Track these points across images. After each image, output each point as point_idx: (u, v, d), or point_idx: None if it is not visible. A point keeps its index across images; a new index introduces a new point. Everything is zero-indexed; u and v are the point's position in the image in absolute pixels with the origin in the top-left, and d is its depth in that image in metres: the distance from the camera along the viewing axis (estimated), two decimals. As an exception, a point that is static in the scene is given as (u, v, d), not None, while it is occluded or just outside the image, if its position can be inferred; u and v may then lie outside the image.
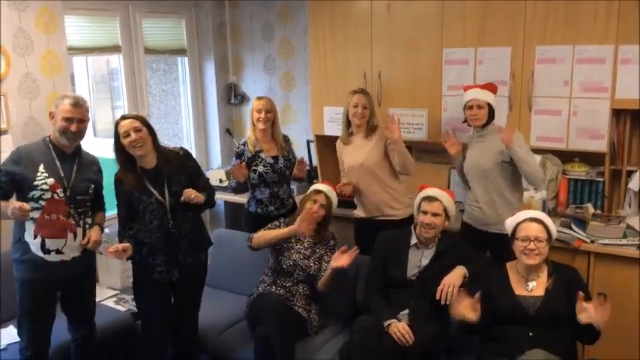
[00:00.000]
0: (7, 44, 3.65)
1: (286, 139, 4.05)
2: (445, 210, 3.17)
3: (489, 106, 3.38)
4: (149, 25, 4.78)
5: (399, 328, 2.99)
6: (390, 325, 3.03)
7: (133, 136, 2.97)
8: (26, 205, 2.75)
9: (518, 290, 2.81)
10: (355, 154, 3.74)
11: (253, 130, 3.91)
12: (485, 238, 3.42)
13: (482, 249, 3.41)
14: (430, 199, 3.18)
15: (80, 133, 3.00)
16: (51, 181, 2.92)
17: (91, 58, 5.06)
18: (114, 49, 4.54)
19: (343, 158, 3.85)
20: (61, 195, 2.95)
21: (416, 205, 3.27)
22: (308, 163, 3.90)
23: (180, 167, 3.15)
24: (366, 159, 3.69)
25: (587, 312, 2.61)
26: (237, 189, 3.95)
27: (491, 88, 3.43)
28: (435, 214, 3.14)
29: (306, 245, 3.45)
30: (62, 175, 2.97)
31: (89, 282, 3.24)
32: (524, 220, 2.81)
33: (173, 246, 3.11)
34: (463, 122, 3.51)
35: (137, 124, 3.01)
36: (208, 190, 3.25)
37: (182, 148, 3.28)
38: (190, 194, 3.02)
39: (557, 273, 2.81)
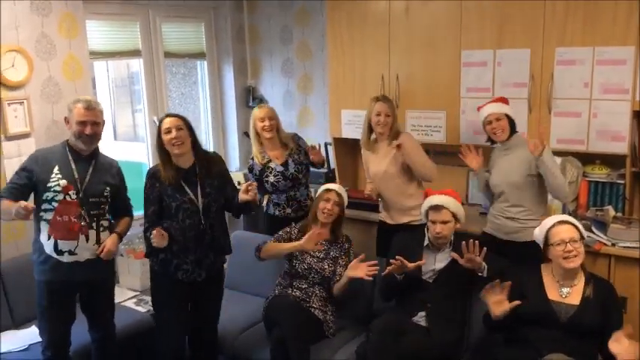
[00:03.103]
0: (30, 49, 3.71)
1: (296, 137, 4.03)
2: (454, 215, 3.17)
3: (508, 117, 3.35)
4: (169, 29, 4.82)
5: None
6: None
7: (174, 133, 3.02)
8: (30, 205, 2.74)
9: (552, 295, 2.77)
10: (379, 162, 3.72)
11: (257, 142, 3.89)
12: (505, 247, 3.38)
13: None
14: (437, 207, 3.16)
15: (96, 136, 3.03)
16: (63, 182, 2.94)
17: (112, 62, 5.14)
18: (134, 53, 4.60)
19: (369, 165, 3.82)
20: (74, 197, 2.96)
21: (423, 213, 3.26)
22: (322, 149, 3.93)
23: (214, 170, 3.20)
24: (388, 167, 3.68)
25: (620, 344, 2.50)
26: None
27: (503, 100, 3.44)
28: (443, 222, 3.14)
29: (320, 248, 3.47)
30: (76, 176, 2.99)
31: (107, 284, 3.25)
32: (554, 225, 2.77)
33: (204, 245, 3.13)
34: (486, 141, 3.49)
35: (180, 122, 3.07)
36: (236, 193, 3.20)
37: (215, 153, 3.34)
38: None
39: (595, 284, 2.76)
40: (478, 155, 3.52)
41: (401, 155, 3.60)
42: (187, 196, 3.08)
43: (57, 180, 2.95)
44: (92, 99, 3.06)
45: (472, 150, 3.54)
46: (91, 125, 2.98)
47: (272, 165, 3.87)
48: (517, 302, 2.73)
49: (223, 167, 3.31)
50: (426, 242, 3.24)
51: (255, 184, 3.20)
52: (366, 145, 3.80)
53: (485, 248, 2.98)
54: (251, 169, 3.96)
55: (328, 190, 3.50)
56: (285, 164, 3.87)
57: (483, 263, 3.02)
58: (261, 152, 3.90)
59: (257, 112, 3.87)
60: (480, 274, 3.03)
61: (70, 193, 2.95)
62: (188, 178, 3.11)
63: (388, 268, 3.11)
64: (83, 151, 3.04)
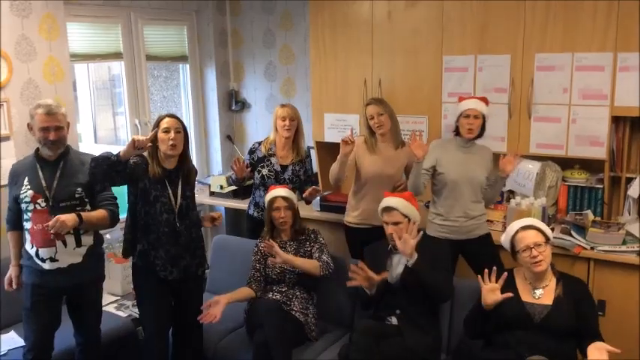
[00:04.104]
0: (10, 51, 3.67)
1: (307, 153, 4.07)
2: (405, 216, 3.15)
3: (483, 118, 3.41)
4: (151, 32, 4.80)
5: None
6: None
7: (173, 134, 3.02)
8: (12, 284, 3.07)
9: (525, 297, 2.80)
10: (383, 164, 3.69)
11: (275, 135, 3.94)
12: (462, 245, 3.45)
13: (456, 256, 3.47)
14: (387, 209, 3.17)
15: (60, 141, 2.98)
16: (30, 193, 2.94)
17: (93, 65, 5.09)
18: (115, 55, 4.57)
19: (363, 161, 3.74)
20: (43, 205, 2.94)
21: (379, 215, 3.26)
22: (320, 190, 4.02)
23: (192, 179, 3.24)
24: (397, 171, 3.71)
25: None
26: (235, 182, 4.03)
27: (485, 101, 3.47)
28: (395, 223, 3.14)
29: (288, 249, 3.47)
30: (44, 184, 2.96)
31: (94, 289, 3.21)
32: (518, 232, 2.81)
33: (178, 245, 3.11)
34: (453, 132, 3.51)
35: (179, 126, 3.06)
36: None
37: (193, 166, 3.34)
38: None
39: (566, 284, 2.80)
40: (424, 145, 3.42)
41: (406, 160, 3.66)
42: (167, 192, 3.08)
43: (26, 191, 2.95)
44: (52, 103, 2.98)
45: (420, 138, 3.44)
46: (54, 131, 2.93)
47: (273, 160, 3.91)
48: (509, 294, 2.74)
49: (195, 179, 3.32)
50: (389, 246, 3.25)
51: (221, 218, 3.39)
52: (372, 147, 3.72)
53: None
54: (252, 152, 3.99)
55: (273, 200, 3.49)
56: (284, 167, 3.91)
57: (415, 255, 3.00)
58: (270, 143, 3.94)
59: (280, 111, 3.89)
60: (407, 260, 3.03)
61: (39, 201, 2.94)
62: (171, 178, 3.11)
63: (352, 282, 3.11)
64: (50, 156, 3.00)
